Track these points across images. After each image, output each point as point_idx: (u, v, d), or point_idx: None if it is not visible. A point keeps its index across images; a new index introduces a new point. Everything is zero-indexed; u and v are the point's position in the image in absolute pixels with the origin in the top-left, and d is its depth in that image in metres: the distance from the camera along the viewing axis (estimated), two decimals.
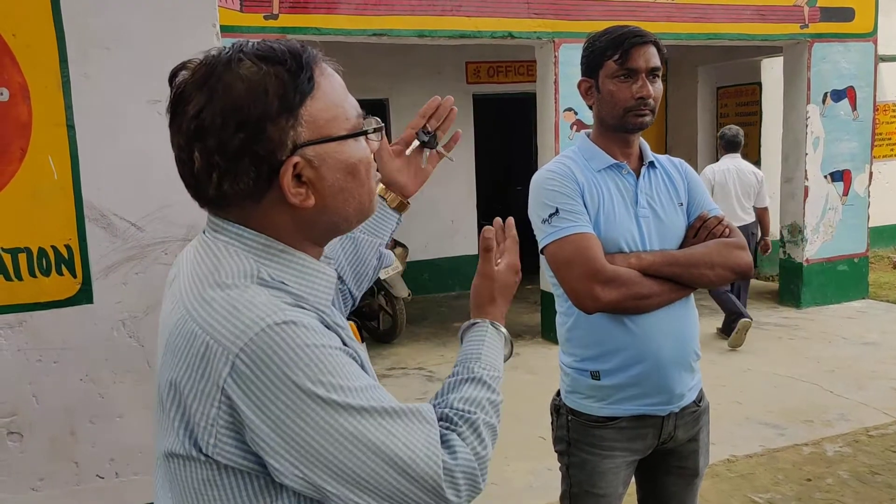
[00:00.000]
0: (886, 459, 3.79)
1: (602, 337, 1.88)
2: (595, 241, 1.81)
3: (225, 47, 0.92)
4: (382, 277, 6.16)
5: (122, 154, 1.97)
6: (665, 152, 7.01)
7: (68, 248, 1.95)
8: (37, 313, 1.93)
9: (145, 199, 1.99)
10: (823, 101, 6.88)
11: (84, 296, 1.97)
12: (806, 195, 6.91)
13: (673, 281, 1.84)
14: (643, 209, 1.89)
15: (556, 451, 2.03)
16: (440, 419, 0.97)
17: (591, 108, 1.96)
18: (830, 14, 6.78)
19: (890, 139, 9.44)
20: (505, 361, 1.14)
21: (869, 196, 7.19)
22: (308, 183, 0.92)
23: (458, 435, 0.95)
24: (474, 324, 1.16)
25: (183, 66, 0.92)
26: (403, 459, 0.87)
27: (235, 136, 0.87)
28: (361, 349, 1.08)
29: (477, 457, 0.94)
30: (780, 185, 7.28)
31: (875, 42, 7.01)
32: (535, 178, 1.94)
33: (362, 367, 0.95)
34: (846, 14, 6.86)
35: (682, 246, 1.92)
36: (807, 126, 6.85)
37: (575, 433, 1.95)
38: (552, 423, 2.06)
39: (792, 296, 7.10)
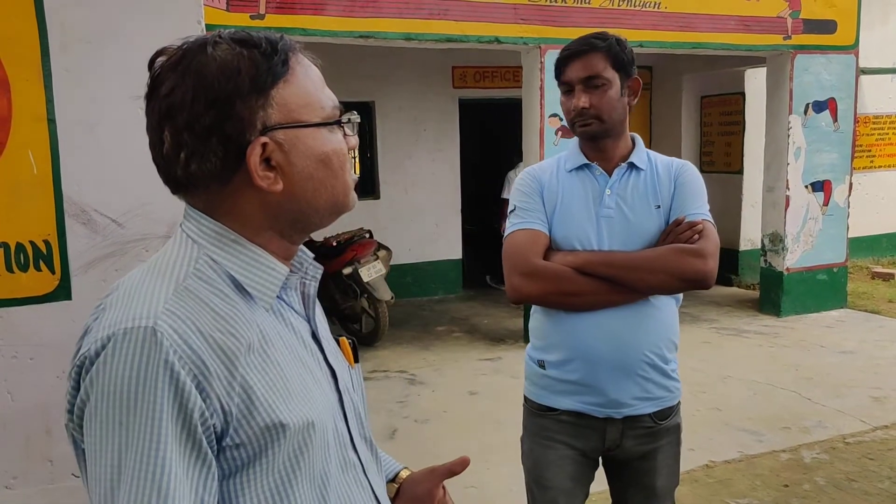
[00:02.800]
0: (863, 466, 3.83)
1: (547, 330, 1.96)
2: (536, 236, 1.86)
3: (205, 34, 0.93)
4: (366, 280, 6.15)
5: (104, 150, 1.95)
6: None
7: (47, 243, 1.93)
8: (13, 309, 1.91)
9: (126, 195, 1.97)
10: (805, 112, 6.96)
11: (62, 292, 1.94)
12: (787, 205, 6.98)
13: (613, 282, 1.82)
14: (608, 209, 1.88)
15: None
16: None
17: None
18: (813, 26, 6.87)
19: (870, 151, 9.55)
20: None
21: (849, 207, 7.28)
22: (277, 167, 0.91)
23: None
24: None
25: (162, 51, 0.92)
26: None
27: (205, 114, 0.87)
28: (343, 367, 1.05)
29: None
30: (762, 195, 7.35)
31: (856, 54, 7.10)
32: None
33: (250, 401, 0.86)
34: (828, 27, 6.94)
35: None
36: (789, 136, 6.92)
37: (525, 420, 2.03)
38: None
39: (772, 304, 7.16)
